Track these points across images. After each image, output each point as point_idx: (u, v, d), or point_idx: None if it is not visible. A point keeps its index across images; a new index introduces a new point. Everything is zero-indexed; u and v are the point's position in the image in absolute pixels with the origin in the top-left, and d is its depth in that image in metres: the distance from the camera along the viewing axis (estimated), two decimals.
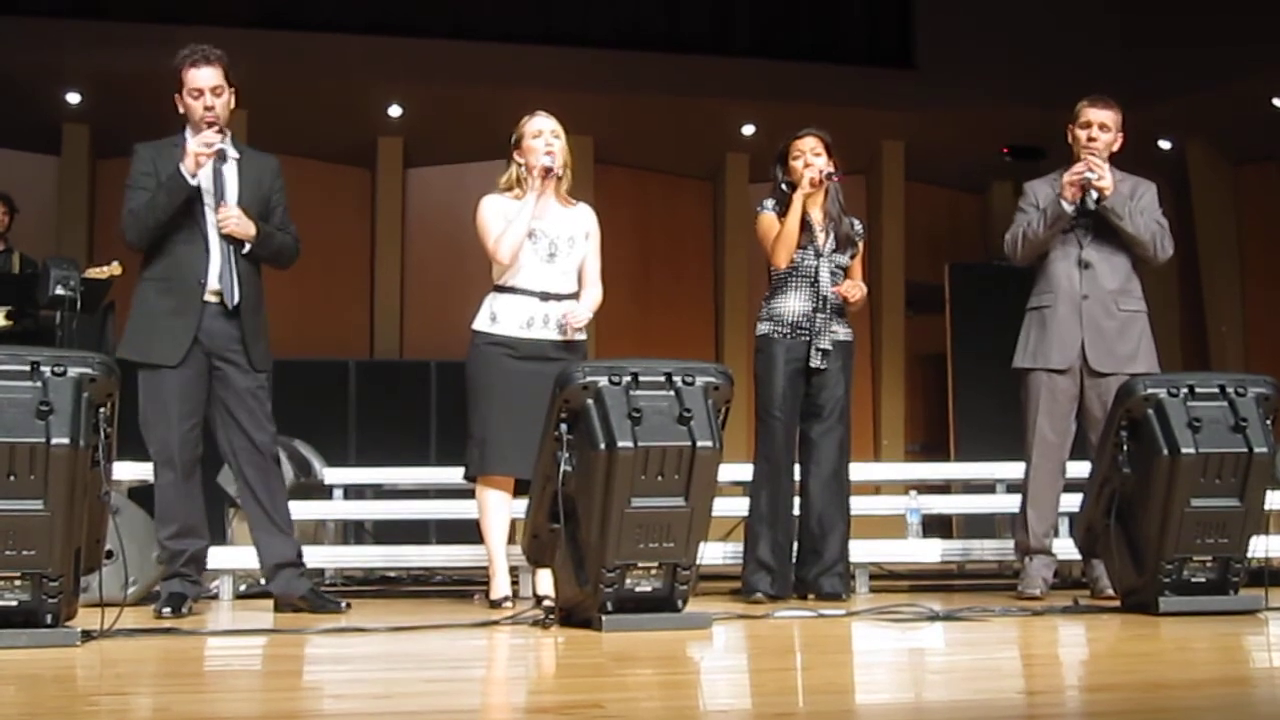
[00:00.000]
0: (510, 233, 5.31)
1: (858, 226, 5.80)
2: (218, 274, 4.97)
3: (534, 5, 11.37)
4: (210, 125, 4.94)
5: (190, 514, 4.98)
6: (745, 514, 5.70)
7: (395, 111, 11.17)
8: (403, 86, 10.83)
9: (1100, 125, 5.54)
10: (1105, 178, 5.43)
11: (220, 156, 4.96)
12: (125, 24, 10.31)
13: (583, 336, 5.44)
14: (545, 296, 5.36)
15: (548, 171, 5.33)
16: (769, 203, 5.74)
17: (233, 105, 5.06)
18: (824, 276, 5.61)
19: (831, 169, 5.64)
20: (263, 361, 5.07)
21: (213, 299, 4.97)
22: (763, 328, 5.69)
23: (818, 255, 5.64)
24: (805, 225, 5.62)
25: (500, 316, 5.35)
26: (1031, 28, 11.33)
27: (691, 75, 11.09)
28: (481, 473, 5.31)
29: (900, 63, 11.80)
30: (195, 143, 4.92)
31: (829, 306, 5.61)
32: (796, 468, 5.66)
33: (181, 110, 5.04)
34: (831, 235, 5.68)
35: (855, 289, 5.65)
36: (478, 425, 5.32)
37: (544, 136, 5.38)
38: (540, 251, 5.36)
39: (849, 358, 5.71)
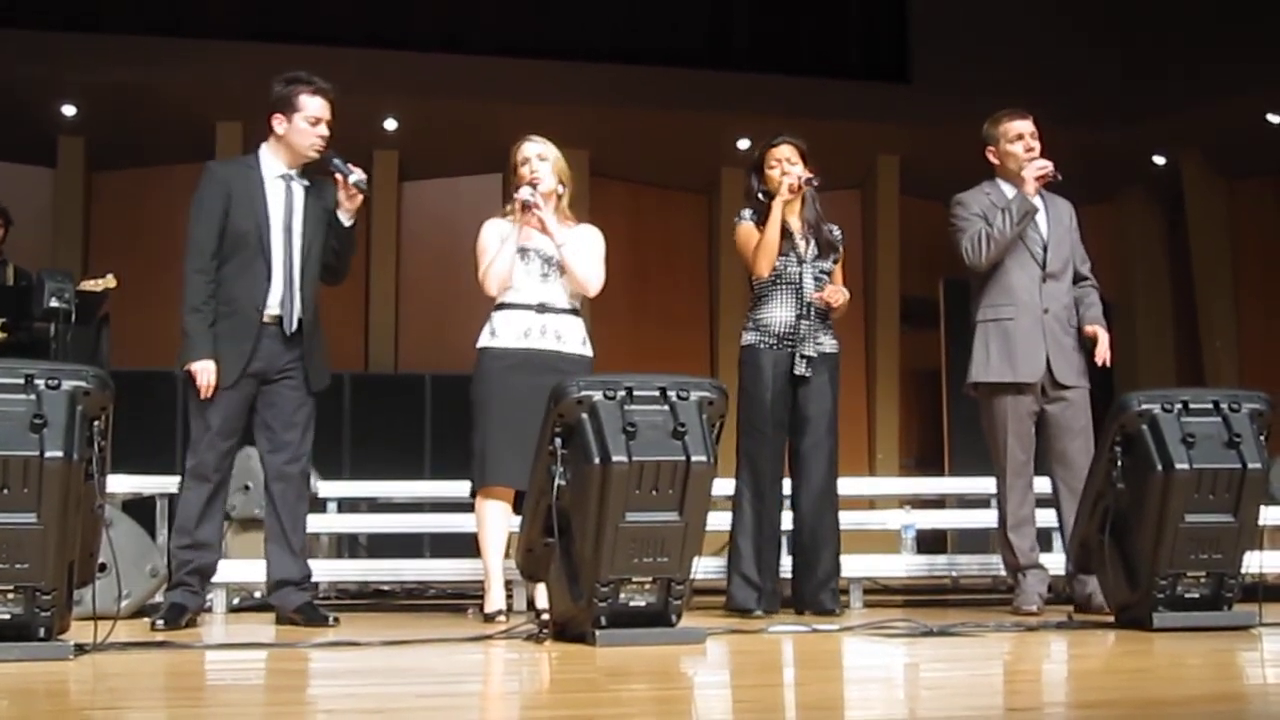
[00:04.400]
0: (495, 266, 5.38)
1: (837, 232, 5.76)
2: (279, 300, 5.05)
3: (530, 19, 11.38)
4: (321, 152, 5.16)
5: (209, 529, 5.08)
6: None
7: (390, 125, 11.17)
8: (398, 100, 10.83)
9: (1031, 134, 5.74)
10: (1103, 355, 5.61)
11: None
12: (121, 37, 10.31)
13: (587, 351, 5.45)
14: (543, 309, 5.39)
15: (525, 206, 5.37)
16: (746, 213, 5.71)
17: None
18: (808, 283, 5.58)
19: (809, 175, 5.62)
20: (319, 381, 5.15)
21: (271, 323, 5.04)
22: (748, 338, 5.65)
23: (800, 262, 5.61)
24: (785, 233, 5.60)
25: (499, 331, 5.40)
26: (1028, 43, 11.35)
27: (688, 89, 11.10)
28: (481, 484, 5.33)
29: (896, 77, 11.81)
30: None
31: (814, 314, 5.58)
32: (786, 482, 5.63)
33: (280, 131, 5.15)
34: (813, 242, 5.66)
35: (838, 294, 5.61)
36: (478, 439, 5.34)
37: (529, 164, 5.43)
38: (533, 271, 5.40)
39: (835, 370, 5.66)
